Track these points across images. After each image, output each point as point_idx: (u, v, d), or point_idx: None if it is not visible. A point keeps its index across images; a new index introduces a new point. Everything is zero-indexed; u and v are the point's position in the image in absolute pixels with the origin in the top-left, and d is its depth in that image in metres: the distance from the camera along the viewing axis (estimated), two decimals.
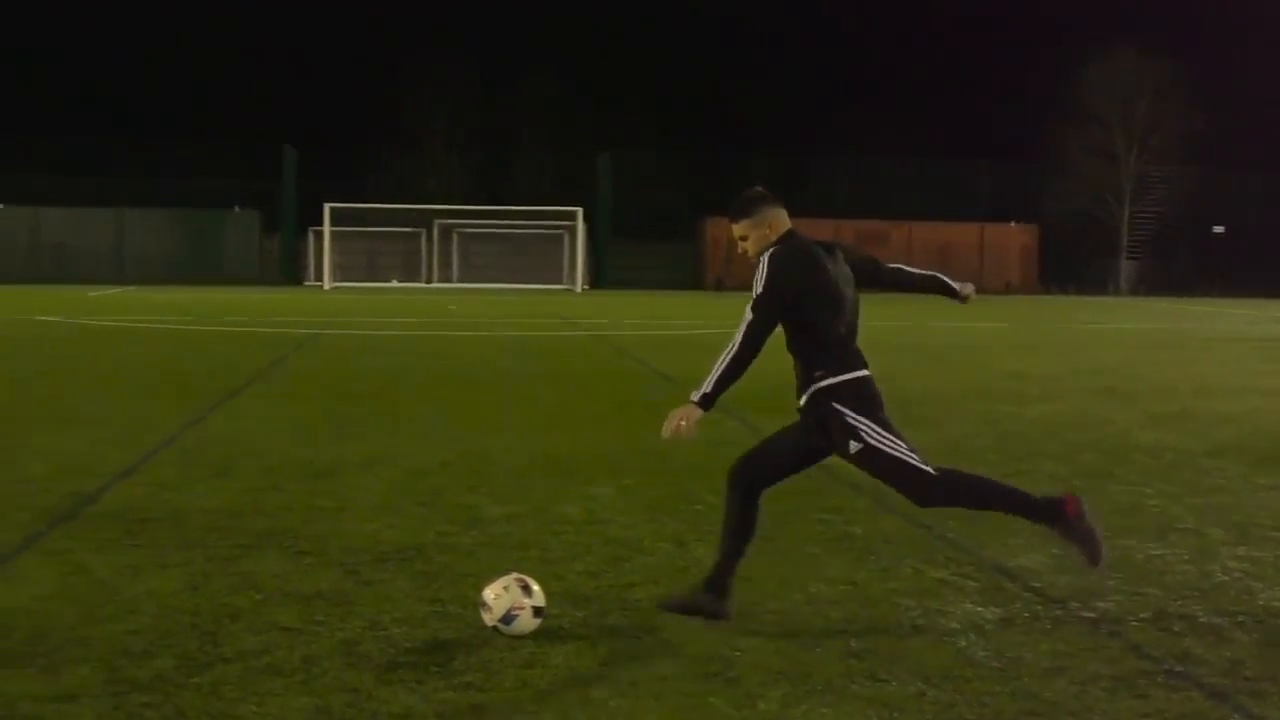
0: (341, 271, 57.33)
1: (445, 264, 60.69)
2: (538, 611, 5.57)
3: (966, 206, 62.76)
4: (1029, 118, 66.11)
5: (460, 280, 59.14)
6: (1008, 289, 59.30)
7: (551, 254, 60.01)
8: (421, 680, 5.06)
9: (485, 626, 5.55)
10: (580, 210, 56.15)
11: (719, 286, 58.01)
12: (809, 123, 79.23)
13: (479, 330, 27.16)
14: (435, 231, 60.54)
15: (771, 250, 5.79)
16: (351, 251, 59.18)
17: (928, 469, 5.74)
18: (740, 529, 5.90)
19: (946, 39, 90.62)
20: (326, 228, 55.55)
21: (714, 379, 5.63)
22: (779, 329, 5.78)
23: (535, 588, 5.62)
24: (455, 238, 60.91)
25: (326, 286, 54.50)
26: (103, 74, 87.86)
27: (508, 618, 5.52)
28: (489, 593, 5.57)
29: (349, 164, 65.03)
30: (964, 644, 5.61)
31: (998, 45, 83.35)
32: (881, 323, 30.96)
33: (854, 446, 5.70)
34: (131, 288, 51.15)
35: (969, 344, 24.32)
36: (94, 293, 44.89)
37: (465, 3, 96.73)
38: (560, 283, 58.16)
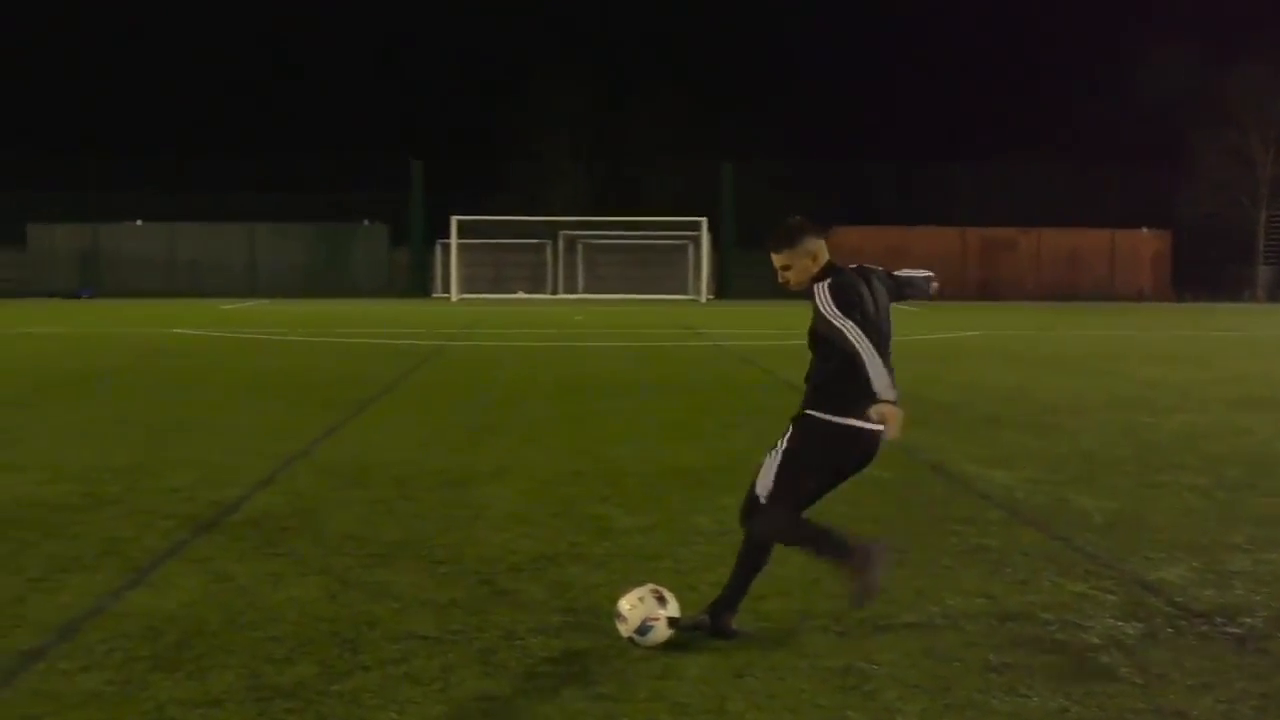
0: (468, 283, 57.85)
1: (570, 275, 61.00)
2: (672, 622, 5.56)
3: (1097, 212, 61.60)
4: (1161, 121, 64.83)
5: (585, 291, 59.41)
6: (1140, 296, 58.16)
7: (676, 264, 60.05)
8: (557, 690, 5.09)
9: (620, 637, 5.56)
10: (704, 220, 56.12)
11: None
12: (934, 129, 78.58)
13: (605, 341, 27.26)
14: (560, 243, 60.89)
15: (829, 282, 5.73)
16: (478, 263, 59.73)
17: (776, 513, 5.78)
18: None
19: (1074, 43, 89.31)
20: (454, 240, 56.12)
21: (886, 382, 5.47)
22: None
23: (670, 599, 5.61)
24: (580, 249, 61.21)
25: (454, 298, 55.06)
26: (234, 94, 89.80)
27: (643, 629, 5.52)
28: (624, 604, 5.58)
29: (475, 177, 65.67)
30: (1106, 659, 5.51)
31: (1127, 48, 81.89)
32: (1014, 332, 30.55)
33: (779, 444, 5.79)
34: (264, 301, 52.12)
35: (1102, 353, 23.89)
36: (228, 306, 45.81)
37: (589, 16, 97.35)
38: (685, 293, 58.16)
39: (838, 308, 5.59)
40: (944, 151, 67.70)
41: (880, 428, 5.55)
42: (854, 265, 5.98)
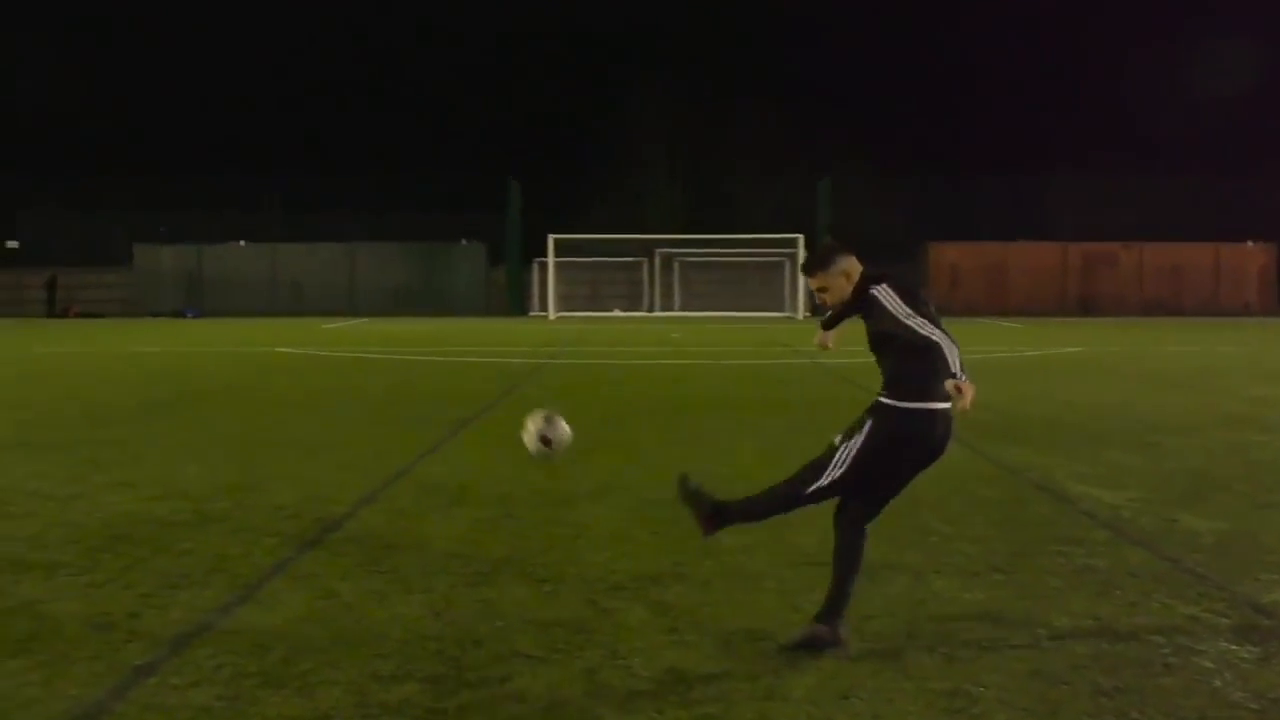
0: (565, 301, 58.14)
1: (667, 293, 61.08)
2: (545, 440, 7.17)
3: (1200, 225, 60.55)
4: (1267, 132, 63.63)
5: (682, 309, 59.45)
6: (1246, 311, 57.11)
7: (772, 281, 59.92)
8: (661, 710, 5.08)
9: (716, 657, 5.55)
10: (801, 237, 55.91)
11: (943, 312, 57.14)
12: (1034, 143, 77.70)
13: (702, 359, 27.24)
14: (656, 260, 61.00)
15: (887, 285, 6.00)
16: (575, 281, 60.05)
17: (809, 491, 6.10)
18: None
19: (1179, 55, 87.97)
20: (550, 258, 56.43)
21: (961, 364, 5.74)
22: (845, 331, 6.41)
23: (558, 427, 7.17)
24: (676, 266, 61.26)
25: (551, 316, 55.33)
26: (334, 116, 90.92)
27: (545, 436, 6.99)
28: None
29: (571, 195, 66.08)
30: (1219, 684, 5.41)
31: (1233, 60, 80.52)
32: (1116, 348, 30.11)
33: (856, 436, 5.99)
34: (363, 319, 52.70)
35: (1209, 368, 23.46)
36: (328, 325, 46.38)
37: (684, 33, 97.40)
38: (781, 310, 58.02)
39: (905, 304, 5.88)
40: (1044, 166, 66.94)
41: (947, 405, 5.83)
42: (876, 271, 6.16)
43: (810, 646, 5.82)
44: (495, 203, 61.51)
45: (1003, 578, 7.14)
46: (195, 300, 60.13)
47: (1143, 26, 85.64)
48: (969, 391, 5.60)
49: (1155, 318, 53.12)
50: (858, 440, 5.95)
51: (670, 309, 59.60)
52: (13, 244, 63.62)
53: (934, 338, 5.76)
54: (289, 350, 29.97)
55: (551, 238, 56.07)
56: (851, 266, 6.18)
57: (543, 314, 57.24)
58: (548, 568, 7.40)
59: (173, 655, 5.74)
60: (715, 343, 33.82)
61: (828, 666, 5.60)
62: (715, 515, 6.30)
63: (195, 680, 5.40)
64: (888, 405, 5.94)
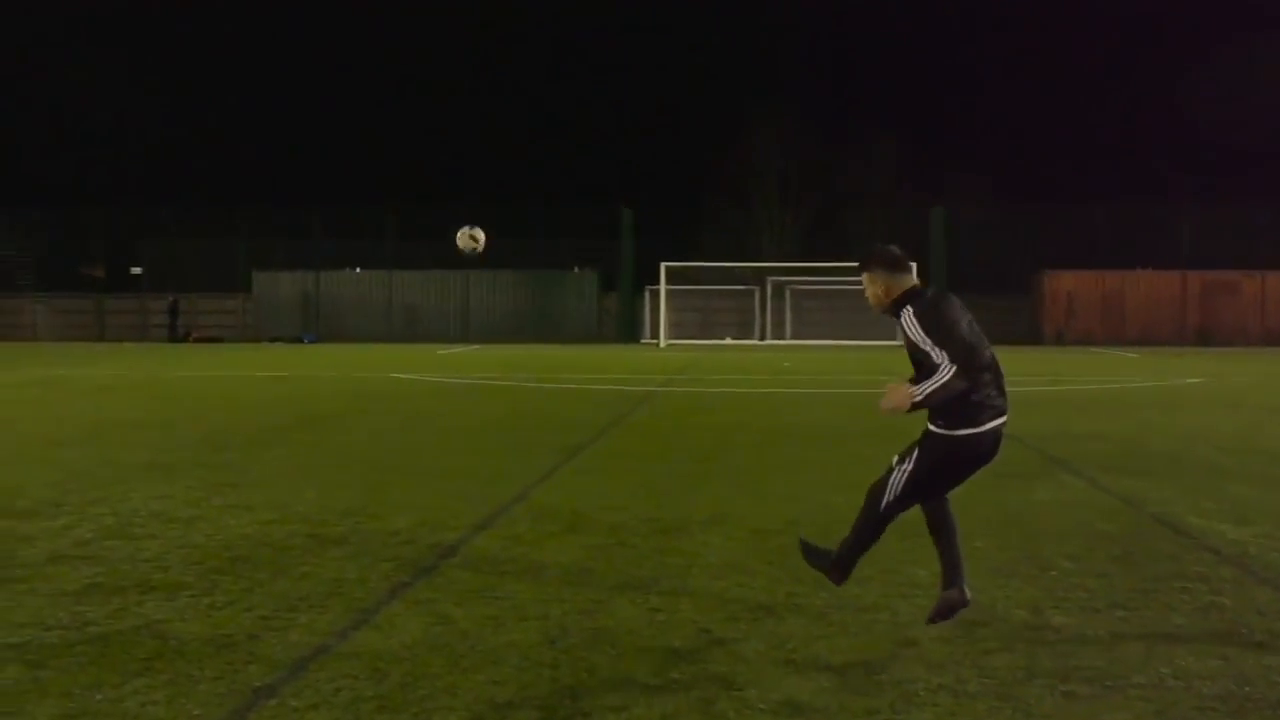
0: (676, 329, 58.22)
1: (778, 321, 60.86)
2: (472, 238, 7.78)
3: None
4: None
5: (793, 337, 59.22)
6: None
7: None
8: None
9: (841, 690, 5.50)
10: (914, 265, 55.46)
11: (1059, 340, 56.50)
12: (1151, 170, 76.57)
13: (815, 387, 27.11)
14: (769, 289, 60.86)
15: (911, 310, 6.37)
16: (686, 309, 60.12)
17: (884, 506, 6.51)
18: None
19: None
20: (663, 286, 56.53)
21: (938, 381, 6.25)
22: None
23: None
24: (788, 294, 61.05)
25: (662, 344, 55.41)
26: (447, 144, 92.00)
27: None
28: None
29: (684, 223, 66.18)
30: None
31: None
32: (1238, 379, 29.47)
33: (908, 461, 6.49)
34: (476, 346, 53.16)
35: None
36: (442, 350, 46.85)
37: (798, 62, 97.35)
38: (893, 339, 57.55)
39: (923, 331, 6.24)
40: (1162, 192, 65.92)
41: (998, 424, 6.36)
42: (932, 291, 6.55)
43: (949, 615, 6.40)
44: (608, 230, 61.80)
45: (1124, 614, 7.01)
46: (311, 326, 61.09)
47: (1270, 55, 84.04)
48: (890, 398, 6.28)
49: (1278, 348, 51.97)
50: (908, 466, 6.46)
51: (782, 337, 59.38)
52: (136, 270, 65.07)
53: (941, 363, 6.13)
54: (403, 376, 30.29)
55: (664, 265, 56.16)
56: (889, 281, 6.55)
57: (654, 342, 57.35)
58: (662, 596, 7.39)
59: (292, 677, 5.81)
60: (827, 371, 33.65)
61: (945, 702, 5.53)
62: (837, 565, 6.73)
63: (314, 703, 5.46)
64: (936, 434, 6.41)
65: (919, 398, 6.18)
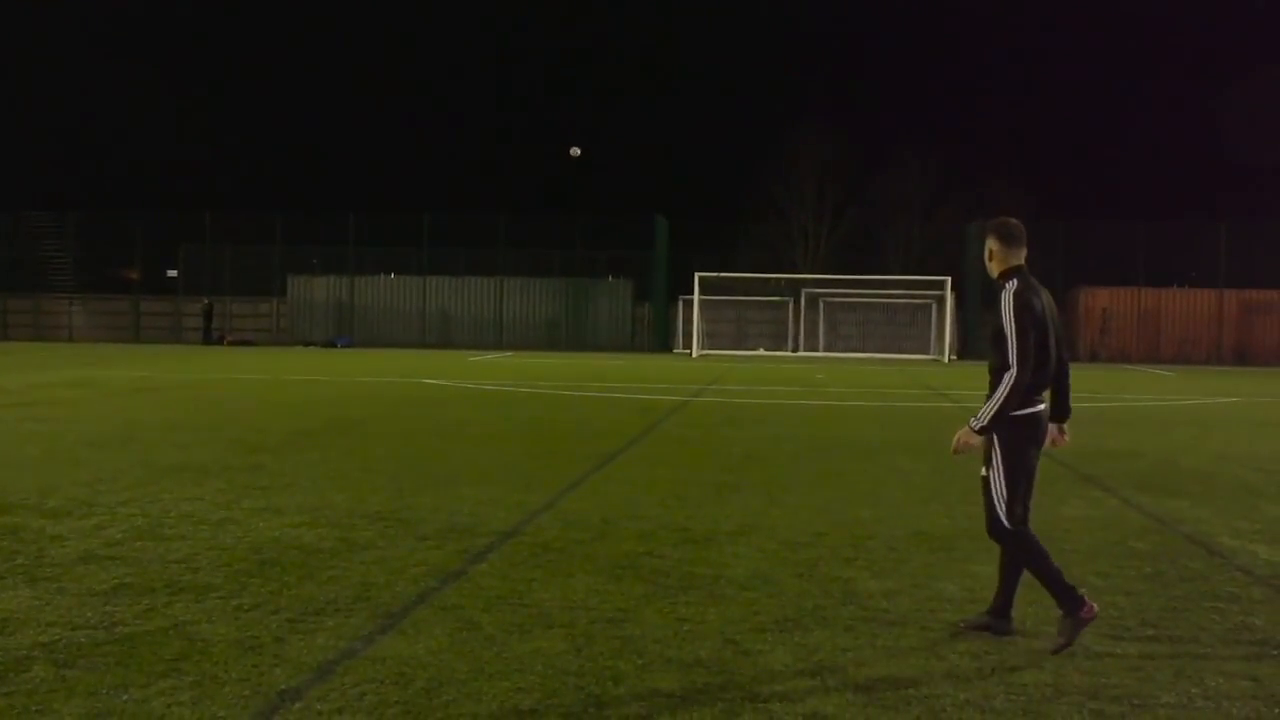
0: (710, 339, 58.22)
1: (811, 333, 60.77)
2: None
3: None
4: None
5: (826, 349, 59.11)
6: None
7: (919, 323, 59.40)
8: None
9: (867, 704, 5.45)
10: (948, 279, 55.34)
11: (1093, 357, 56.21)
12: (1187, 187, 76.14)
13: (847, 400, 27.03)
14: (802, 300, 60.78)
15: (1012, 288, 6.67)
16: (720, 320, 60.14)
17: (1004, 517, 6.72)
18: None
19: None
20: (696, 296, 56.54)
21: (993, 405, 6.71)
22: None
23: None
24: (822, 306, 60.96)
25: (695, 354, 55.40)
26: (482, 153, 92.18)
27: None
28: None
29: (718, 234, 66.25)
30: None
31: None
32: (1273, 398, 29.25)
33: (993, 456, 6.77)
34: (509, 353, 53.22)
35: None
36: (474, 357, 46.91)
37: (836, 75, 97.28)
38: (927, 353, 57.45)
39: (1014, 313, 6.55)
40: (1198, 209, 65.55)
41: (1044, 406, 6.77)
42: (1033, 279, 6.78)
43: (983, 629, 6.83)
44: (642, 240, 61.85)
45: (1154, 633, 6.95)
46: (345, 330, 61.31)
47: None
48: (958, 443, 6.72)
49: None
50: (996, 460, 6.70)
51: (815, 349, 59.29)
52: (172, 273, 65.49)
53: (1010, 352, 6.51)
54: (435, 382, 30.35)
55: (698, 275, 56.19)
56: (1000, 252, 6.82)
57: (686, 352, 57.36)
58: (689, 606, 7.36)
59: (318, 681, 5.81)
60: (860, 384, 33.55)
61: (972, 718, 5.49)
62: (996, 614, 6.95)
63: (339, 706, 5.45)
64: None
65: (984, 421, 6.59)
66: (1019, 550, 6.74)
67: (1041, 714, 5.56)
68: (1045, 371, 6.67)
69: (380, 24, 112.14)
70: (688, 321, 58.65)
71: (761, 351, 58.41)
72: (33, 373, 31.95)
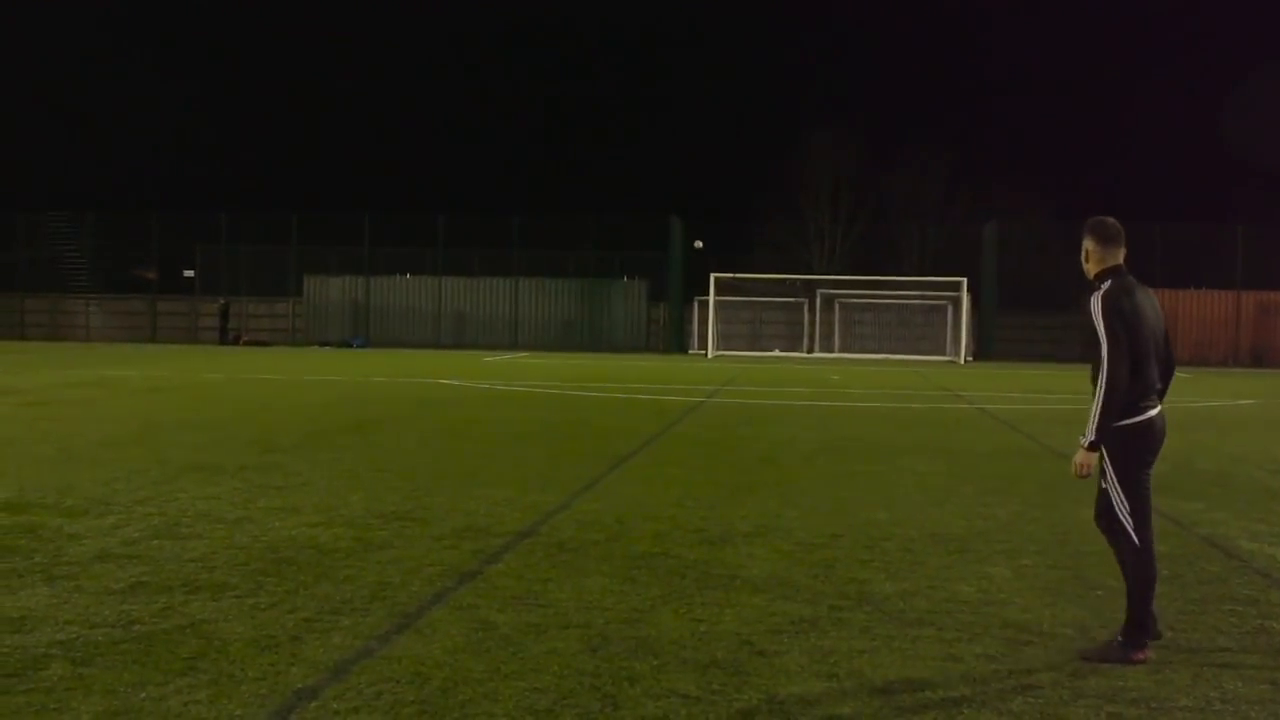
0: (725, 340, 58.23)
1: (827, 334, 60.73)
2: None
3: None
4: None
5: (842, 350, 59.05)
6: None
7: (935, 325, 59.34)
8: None
9: (882, 706, 5.45)
10: (964, 280, 55.23)
11: None
12: (1206, 189, 75.95)
13: (862, 401, 26.99)
14: (818, 301, 60.74)
15: (1103, 290, 6.65)
16: (735, 321, 60.16)
17: (1134, 536, 6.56)
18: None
19: None
20: (711, 297, 56.55)
21: (1095, 417, 6.51)
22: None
23: None
24: (837, 308, 60.92)
25: (710, 355, 55.40)
26: (500, 153, 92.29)
27: None
28: None
29: (733, 234, 66.25)
30: None
31: None
32: None
33: (1106, 468, 6.63)
34: (524, 354, 53.26)
35: None
36: (489, 358, 46.94)
37: (851, 76, 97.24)
38: (943, 354, 57.36)
39: (1104, 314, 6.50)
40: (1216, 212, 65.34)
41: (1156, 412, 6.58)
42: (1130, 278, 6.75)
43: (1101, 659, 6.42)
44: (658, 240, 61.84)
45: (1172, 635, 6.92)
46: (361, 330, 61.40)
47: None
48: (1076, 465, 6.49)
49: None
50: (1109, 470, 6.58)
51: (830, 350, 59.24)
52: (189, 273, 65.65)
53: (1103, 356, 6.41)
54: (451, 382, 30.38)
55: (713, 276, 56.20)
56: (1095, 253, 6.78)
57: (701, 352, 57.36)
58: (704, 607, 7.36)
59: (334, 680, 5.82)
60: (875, 385, 33.50)
61: None
62: (1134, 632, 6.50)
63: (356, 706, 5.46)
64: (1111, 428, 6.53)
65: (1091, 435, 6.47)
66: (1136, 562, 6.58)
67: (1059, 717, 5.54)
68: (1144, 375, 6.52)
69: (397, 25, 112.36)
70: (703, 322, 58.66)
71: (777, 352, 58.38)
72: (50, 372, 32.06)
